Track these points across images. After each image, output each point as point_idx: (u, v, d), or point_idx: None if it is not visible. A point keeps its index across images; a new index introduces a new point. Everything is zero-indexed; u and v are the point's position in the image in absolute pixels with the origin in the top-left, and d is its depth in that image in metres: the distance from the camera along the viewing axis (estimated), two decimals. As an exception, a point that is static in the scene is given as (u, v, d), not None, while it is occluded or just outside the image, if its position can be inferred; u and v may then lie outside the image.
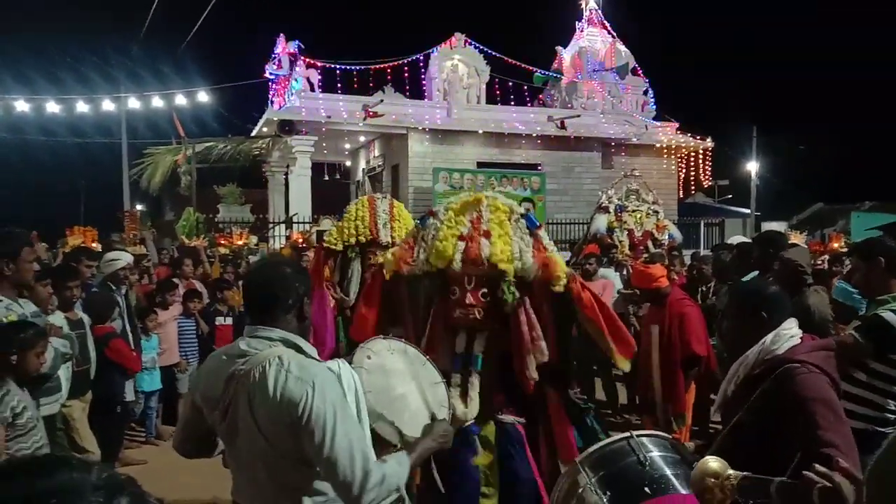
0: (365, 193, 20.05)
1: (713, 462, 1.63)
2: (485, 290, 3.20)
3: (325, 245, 4.72)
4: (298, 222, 15.76)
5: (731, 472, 1.60)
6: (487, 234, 3.28)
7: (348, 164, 22.31)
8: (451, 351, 3.23)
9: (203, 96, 18.87)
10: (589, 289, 3.28)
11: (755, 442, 2.01)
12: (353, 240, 4.55)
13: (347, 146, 20.14)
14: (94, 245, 10.23)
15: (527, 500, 3.15)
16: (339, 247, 4.60)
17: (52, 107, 18.09)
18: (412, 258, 3.39)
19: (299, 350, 2.00)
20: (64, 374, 4.10)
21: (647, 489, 1.91)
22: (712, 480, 1.60)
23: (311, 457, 1.89)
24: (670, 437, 2.24)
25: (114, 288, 5.77)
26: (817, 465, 1.48)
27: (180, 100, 18.71)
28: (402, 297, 3.46)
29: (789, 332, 2.20)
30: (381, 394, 2.28)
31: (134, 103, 19.18)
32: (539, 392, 3.26)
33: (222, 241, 12.12)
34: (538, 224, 3.45)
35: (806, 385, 2.02)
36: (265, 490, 1.95)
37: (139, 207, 24.60)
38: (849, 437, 1.95)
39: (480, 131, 17.39)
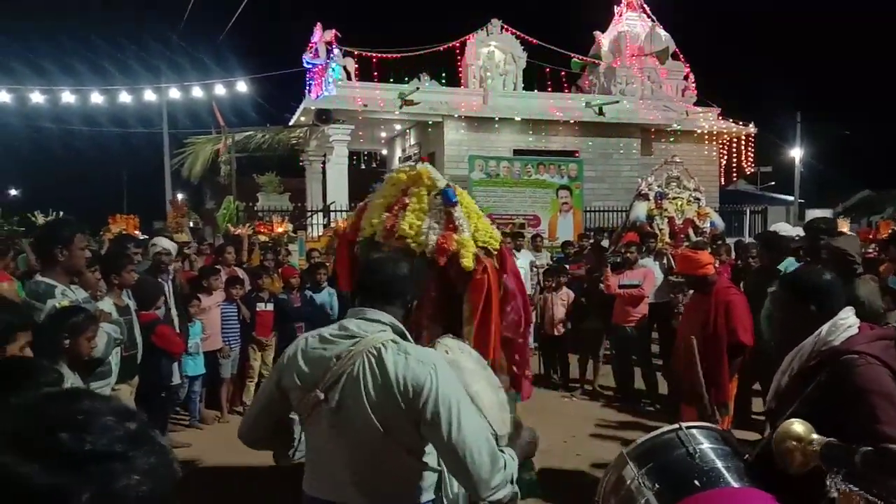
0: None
1: (797, 425, 1.57)
2: None
3: None
4: (336, 210, 15.88)
5: (815, 436, 1.54)
6: (405, 207, 3.33)
7: (384, 152, 22.38)
8: None
9: (242, 86, 19.07)
10: (492, 283, 3.35)
11: None
12: None
13: (384, 135, 20.19)
14: (136, 232, 10.48)
15: None
16: None
17: (96, 97, 18.48)
18: (359, 226, 3.48)
19: (404, 338, 2.00)
20: (114, 358, 4.20)
21: (696, 482, 1.86)
22: (794, 443, 1.55)
23: (425, 441, 1.88)
24: (720, 428, 2.19)
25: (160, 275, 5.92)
26: None
27: (219, 90, 18.95)
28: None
29: (846, 322, 2.12)
30: None
31: (174, 93, 19.49)
32: None
33: (262, 230, 12.28)
34: (454, 201, 3.43)
35: (865, 377, 1.94)
36: (363, 476, 1.90)
37: (180, 196, 25.05)
38: None
39: (517, 118, 17.25)
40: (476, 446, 1.80)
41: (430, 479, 1.97)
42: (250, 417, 2.20)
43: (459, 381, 2.01)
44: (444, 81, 17.88)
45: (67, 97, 18.16)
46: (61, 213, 10.24)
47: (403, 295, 2.09)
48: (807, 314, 2.17)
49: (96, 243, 9.18)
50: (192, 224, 13.44)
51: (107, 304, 4.48)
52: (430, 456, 1.95)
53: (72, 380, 3.27)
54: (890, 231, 11.76)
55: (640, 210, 9.55)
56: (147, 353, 5.04)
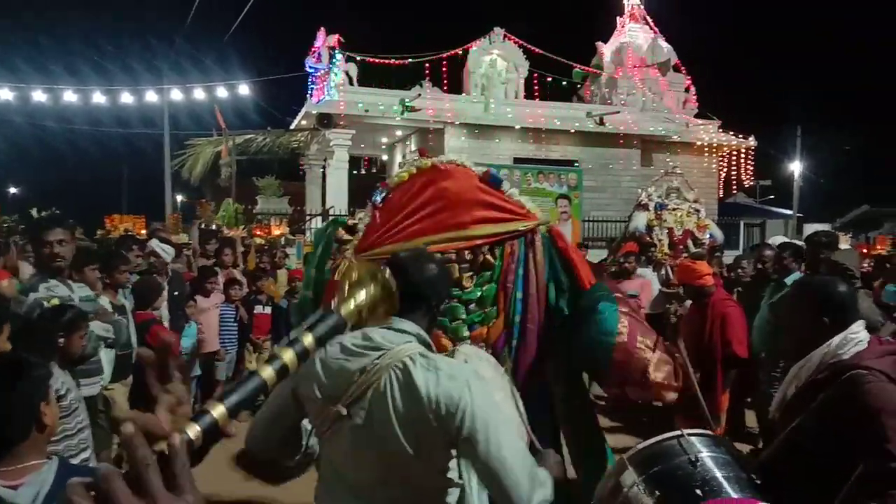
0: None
1: None
2: None
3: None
4: (334, 215, 15.84)
5: None
6: None
7: (385, 158, 22.38)
8: None
9: (244, 89, 19.10)
10: None
11: (813, 448, 1.92)
12: None
13: (384, 140, 20.20)
14: (142, 232, 10.47)
15: None
16: None
17: (98, 97, 18.48)
18: None
19: (429, 349, 1.88)
20: (107, 357, 4.17)
21: (697, 491, 1.83)
22: None
23: (453, 457, 1.81)
24: (720, 436, 2.17)
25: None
26: None
27: (221, 92, 18.96)
28: None
29: (857, 336, 2.08)
30: None
31: (176, 95, 19.50)
32: None
33: (258, 232, 12.25)
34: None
35: (874, 395, 1.90)
36: (387, 493, 1.81)
37: (179, 197, 25.06)
38: None
39: (518, 127, 17.27)
40: (515, 464, 1.72)
41: (453, 494, 1.89)
42: (261, 425, 2.06)
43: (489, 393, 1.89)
44: (445, 88, 17.92)
45: (70, 96, 18.17)
46: (55, 210, 10.19)
47: (429, 300, 1.96)
48: (819, 325, 2.12)
49: (93, 242, 9.15)
50: (202, 225, 13.24)
51: (103, 303, 4.46)
52: (453, 471, 1.87)
53: (62, 378, 3.24)
54: (891, 245, 11.77)
55: (640, 220, 9.54)
56: (142, 354, 5.01)
